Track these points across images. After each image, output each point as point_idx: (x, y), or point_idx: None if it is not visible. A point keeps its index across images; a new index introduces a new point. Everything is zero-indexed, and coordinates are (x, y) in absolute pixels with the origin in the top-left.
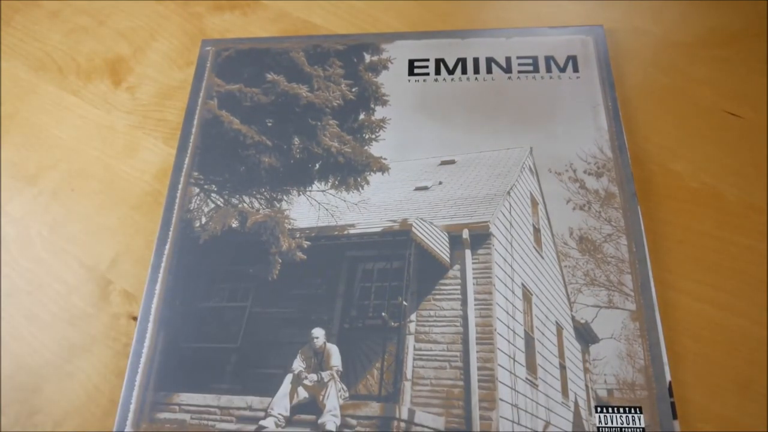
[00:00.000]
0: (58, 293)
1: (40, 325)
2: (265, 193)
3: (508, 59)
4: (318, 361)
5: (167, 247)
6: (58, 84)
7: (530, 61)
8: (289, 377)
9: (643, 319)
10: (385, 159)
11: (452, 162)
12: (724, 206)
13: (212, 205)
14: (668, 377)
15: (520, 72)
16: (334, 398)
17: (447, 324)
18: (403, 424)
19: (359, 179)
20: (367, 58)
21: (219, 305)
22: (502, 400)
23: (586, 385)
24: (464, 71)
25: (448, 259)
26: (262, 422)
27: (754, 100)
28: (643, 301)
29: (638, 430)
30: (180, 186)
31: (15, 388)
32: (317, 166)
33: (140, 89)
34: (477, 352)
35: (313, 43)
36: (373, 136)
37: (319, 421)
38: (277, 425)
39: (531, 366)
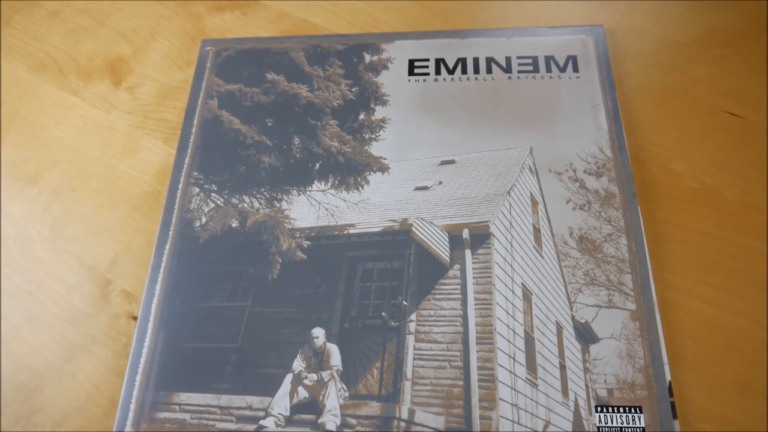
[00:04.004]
0: (58, 293)
1: (40, 325)
2: (265, 193)
3: (508, 59)
4: (318, 360)
5: (167, 247)
6: (58, 84)
7: (530, 61)
8: (289, 377)
9: (643, 318)
10: (385, 159)
11: (452, 162)
12: (724, 206)
13: (212, 205)
14: (668, 377)
15: (520, 72)
16: (334, 398)
17: (447, 324)
18: (403, 424)
19: (359, 179)
20: (367, 58)
21: (219, 305)
22: (502, 399)
23: (586, 385)
24: (464, 71)
25: (448, 259)
26: (262, 422)
27: (754, 100)
28: (643, 301)
29: (638, 429)
30: (180, 186)
31: (15, 388)
32: (317, 165)
33: (140, 89)
34: (477, 351)
35: (313, 43)
36: (373, 136)
37: (319, 421)
38: (277, 425)
39: (531, 366)
